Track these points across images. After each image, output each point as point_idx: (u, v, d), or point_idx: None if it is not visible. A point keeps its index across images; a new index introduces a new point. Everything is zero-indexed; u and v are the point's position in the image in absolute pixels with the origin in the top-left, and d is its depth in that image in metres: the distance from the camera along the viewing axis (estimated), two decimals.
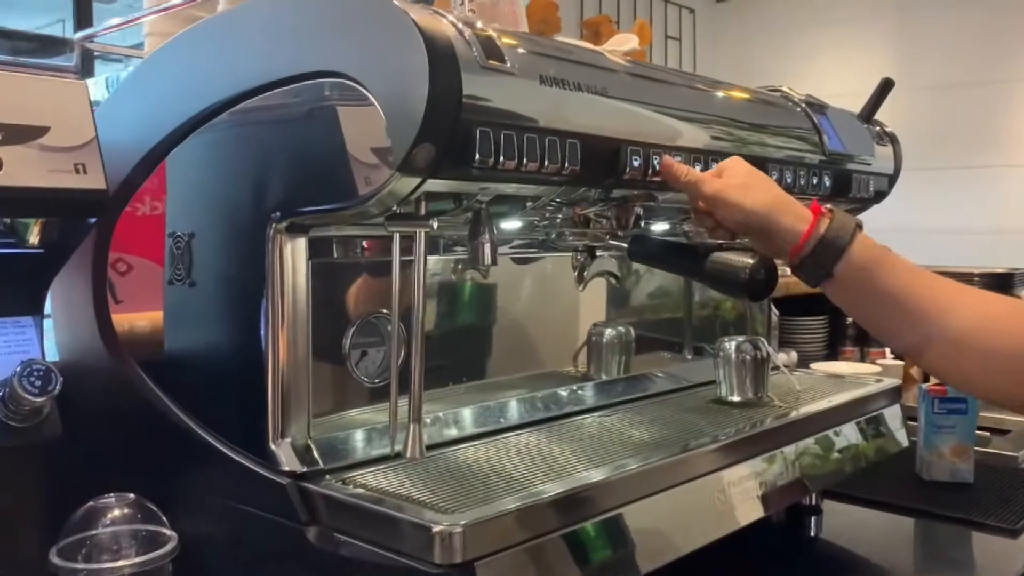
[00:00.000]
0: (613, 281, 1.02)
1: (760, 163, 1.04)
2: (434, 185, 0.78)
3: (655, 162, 0.90)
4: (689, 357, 1.42)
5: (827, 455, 1.19)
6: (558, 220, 1.02)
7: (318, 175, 0.83)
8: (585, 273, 1.01)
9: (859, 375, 2.41)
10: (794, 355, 2.27)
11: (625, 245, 0.97)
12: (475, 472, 0.91)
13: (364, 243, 0.95)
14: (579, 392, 1.20)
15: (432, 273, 1.03)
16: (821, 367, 2.44)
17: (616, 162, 0.88)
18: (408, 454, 0.82)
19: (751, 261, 0.88)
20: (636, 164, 0.89)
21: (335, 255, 0.92)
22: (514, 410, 1.11)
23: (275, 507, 0.85)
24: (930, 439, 1.55)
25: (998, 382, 0.82)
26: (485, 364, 1.11)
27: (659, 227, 1.22)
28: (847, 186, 1.30)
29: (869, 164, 1.35)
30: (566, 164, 0.82)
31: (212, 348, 0.97)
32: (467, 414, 1.06)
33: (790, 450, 1.12)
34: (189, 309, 0.98)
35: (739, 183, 0.89)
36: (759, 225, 0.87)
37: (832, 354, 2.62)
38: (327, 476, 0.87)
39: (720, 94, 1.11)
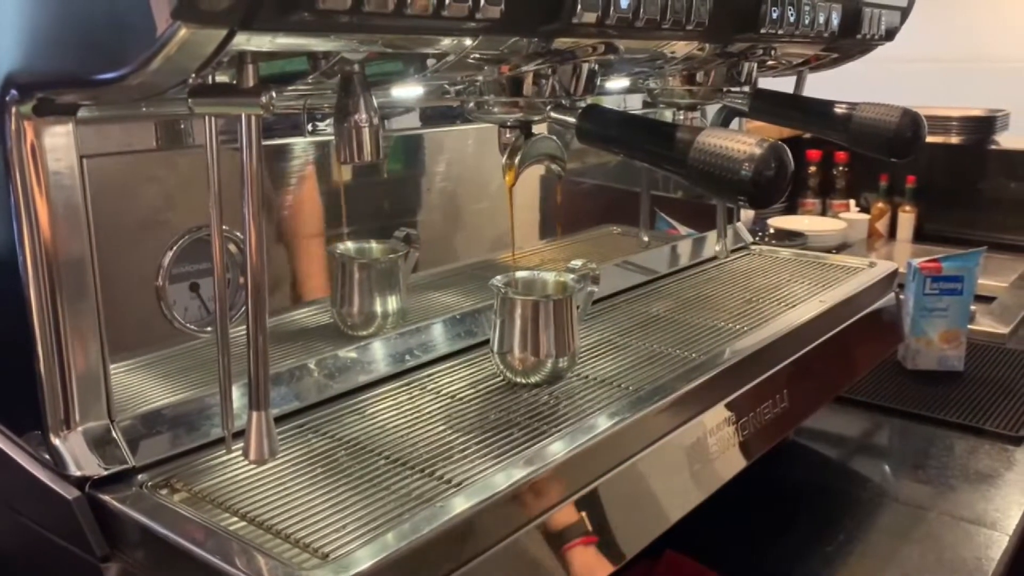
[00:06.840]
0: (556, 169, 0.72)
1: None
2: (255, 40, 0.46)
3: None
4: (646, 240, 1.16)
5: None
6: (478, 83, 0.70)
7: (67, 27, 0.49)
8: (516, 158, 0.71)
9: (822, 231, 2.21)
10: (751, 212, 2.04)
11: (573, 120, 0.67)
12: (378, 451, 0.65)
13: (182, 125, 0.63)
14: None
15: (294, 160, 0.72)
16: (780, 223, 2.22)
17: None
18: (251, 456, 0.54)
19: (757, 150, 0.59)
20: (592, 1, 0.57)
21: (126, 146, 0.60)
22: (432, 338, 0.84)
23: (63, 531, 0.58)
24: (918, 324, 1.35)
25: None
26: None
27: (616, 84, 0.91)
28: (857, 23, 1.00)
29: None
30: (480, 1, 0.50)
31: None
32: (376, 349, 0.79)
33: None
34: None
35: None
36: None
37: (791, 207, 2.40)
38: (140, 476, 0.60)
39: None
